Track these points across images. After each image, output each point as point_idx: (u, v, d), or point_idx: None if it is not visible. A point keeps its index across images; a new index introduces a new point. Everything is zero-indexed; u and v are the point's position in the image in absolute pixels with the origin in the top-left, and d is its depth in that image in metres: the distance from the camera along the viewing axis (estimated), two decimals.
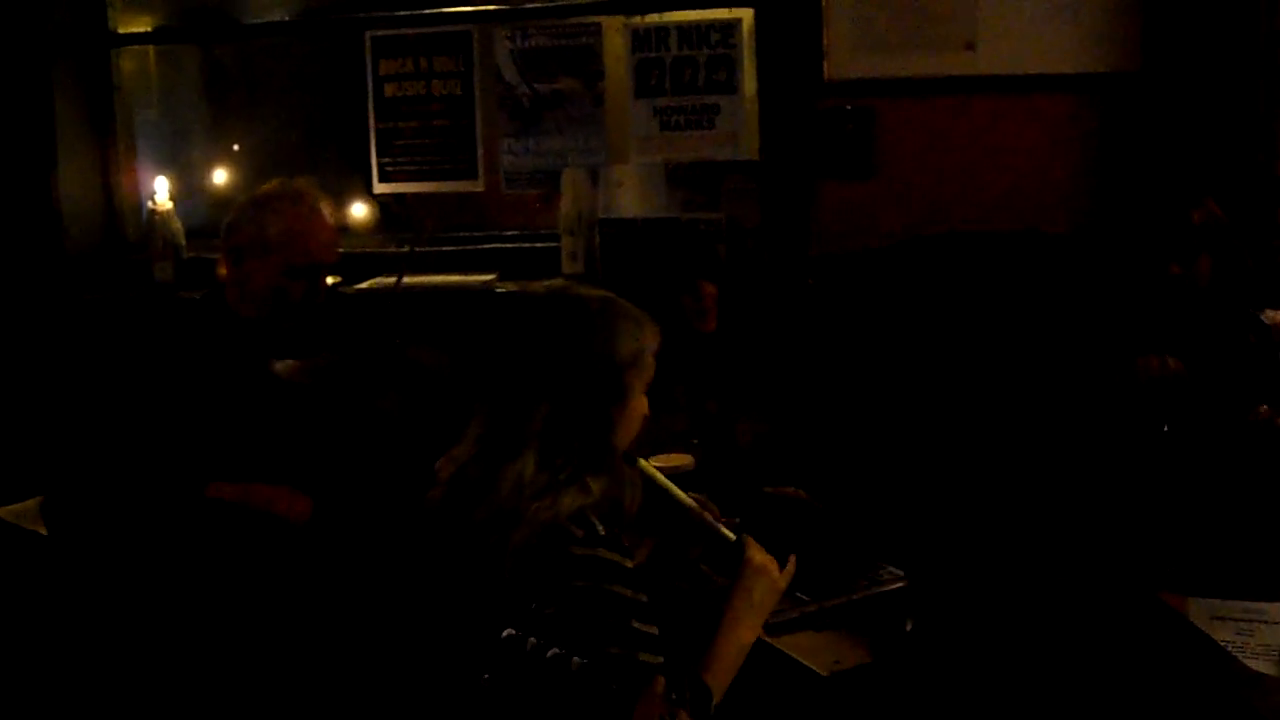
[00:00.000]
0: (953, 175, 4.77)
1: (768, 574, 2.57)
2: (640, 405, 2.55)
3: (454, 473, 2.48)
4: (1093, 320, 3.96)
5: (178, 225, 5.48)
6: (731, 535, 2.67)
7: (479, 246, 5.42)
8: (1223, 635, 2.66)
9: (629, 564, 2.36)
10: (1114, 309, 3.93)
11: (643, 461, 2.65)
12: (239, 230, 3.49)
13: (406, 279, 4.64)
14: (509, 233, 5.51)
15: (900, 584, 2.95)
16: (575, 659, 2.27)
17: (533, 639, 2.30)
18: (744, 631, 2.51)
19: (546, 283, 2.60)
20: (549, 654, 2.28)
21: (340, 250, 3.71)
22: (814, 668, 2.64)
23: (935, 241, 4.61)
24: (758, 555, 2.59)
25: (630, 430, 2.54)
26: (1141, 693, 2.32)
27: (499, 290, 5.02)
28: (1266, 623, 2.74)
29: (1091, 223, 4.66)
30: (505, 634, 2.32)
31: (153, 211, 5.48)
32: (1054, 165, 4.73)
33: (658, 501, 2.73)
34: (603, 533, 2.36)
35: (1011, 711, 2.39)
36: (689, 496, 2.74)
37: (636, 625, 2.31)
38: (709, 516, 2.73)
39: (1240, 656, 2.57)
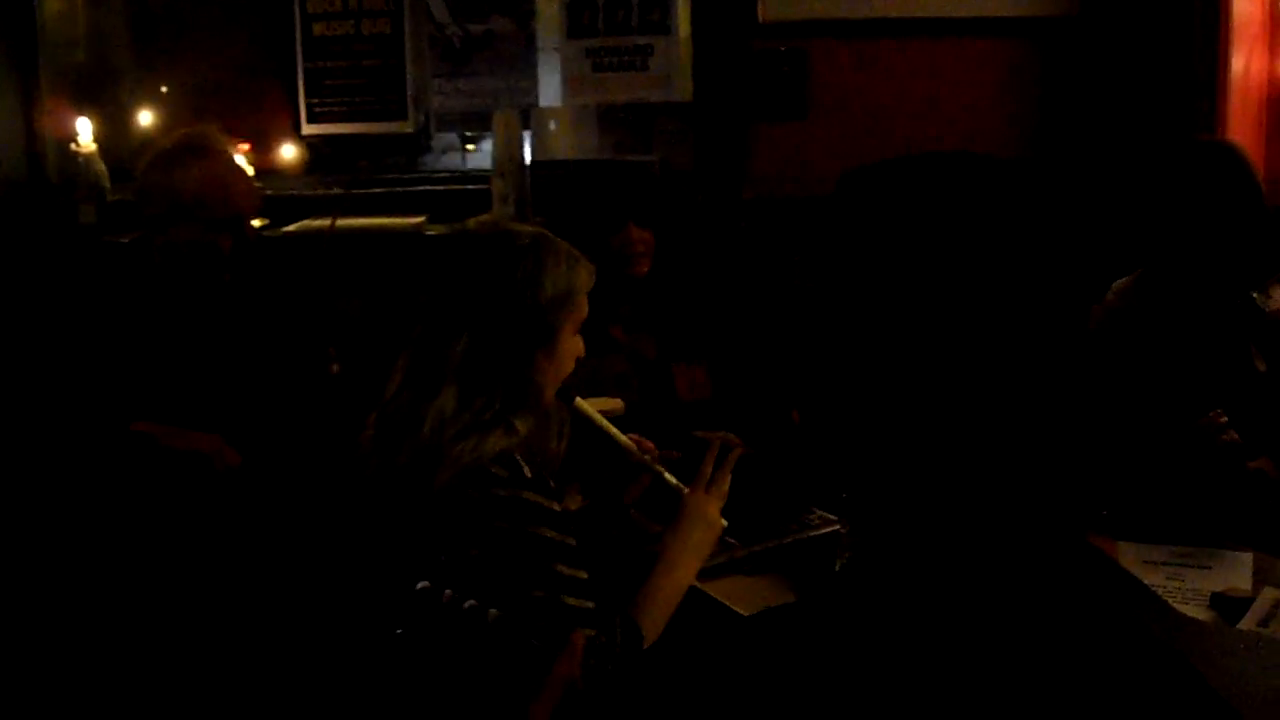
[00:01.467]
0: (889, 118, 4.74)
1: (706, 517, 2.57)
2: (572, 346, 2.53)
3: (380, 413, 2.45)
4: (1036, 250, 3.90)
5: (102, 168, 5.37)
6: (671, 478, 2.65)
7: (409, 189, 5.35)
8: (1152, 579, 2.66)
9: (556, 507, 2.34)
10: (1061, 238, 3.85)
11: (580, 401, 2.63)
12: (152, 197, 3.38)
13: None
14: (439, 175, 5.45)
15: (830, 528, 2.93)
16: (492, 610, 2.23)
17: (449, 590, 2.27)
18: (680, 574, 2.50)
19: (482, 218, 2.57)
20: (465, 605, 2.25)
21: (268, 192, 3.65)
22: (739, 611, 2.62)
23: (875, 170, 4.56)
24: (697, 498, 2.59)
25: (560, 370, 2.51)
26: (1071, 635, 2.31)
27: (428, 233, 4.97)
28: (1195, 567, 2.74)
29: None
30: (419, 586, 2.28)
31: (76, 153, 5.37)
32: (992, 109, 4.71)
33: (594, 443, 2.70)
34: (528, 475, 2.34)
35: (939, 652, 2.37)
36: (627, 438, 2.71)
37: (562, 569, 2.29)
38: (648, 459, 2.70)
39: (1170, 601, 2.56)
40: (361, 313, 2.53)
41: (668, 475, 2.67)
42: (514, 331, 2.39)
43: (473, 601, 2.24)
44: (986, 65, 4.71)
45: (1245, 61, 4.53)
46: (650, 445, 2.78)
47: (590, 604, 2.30)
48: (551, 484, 2.40)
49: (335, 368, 3.60)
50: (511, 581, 2.25)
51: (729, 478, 2.65)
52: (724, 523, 2.62)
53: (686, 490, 2.63)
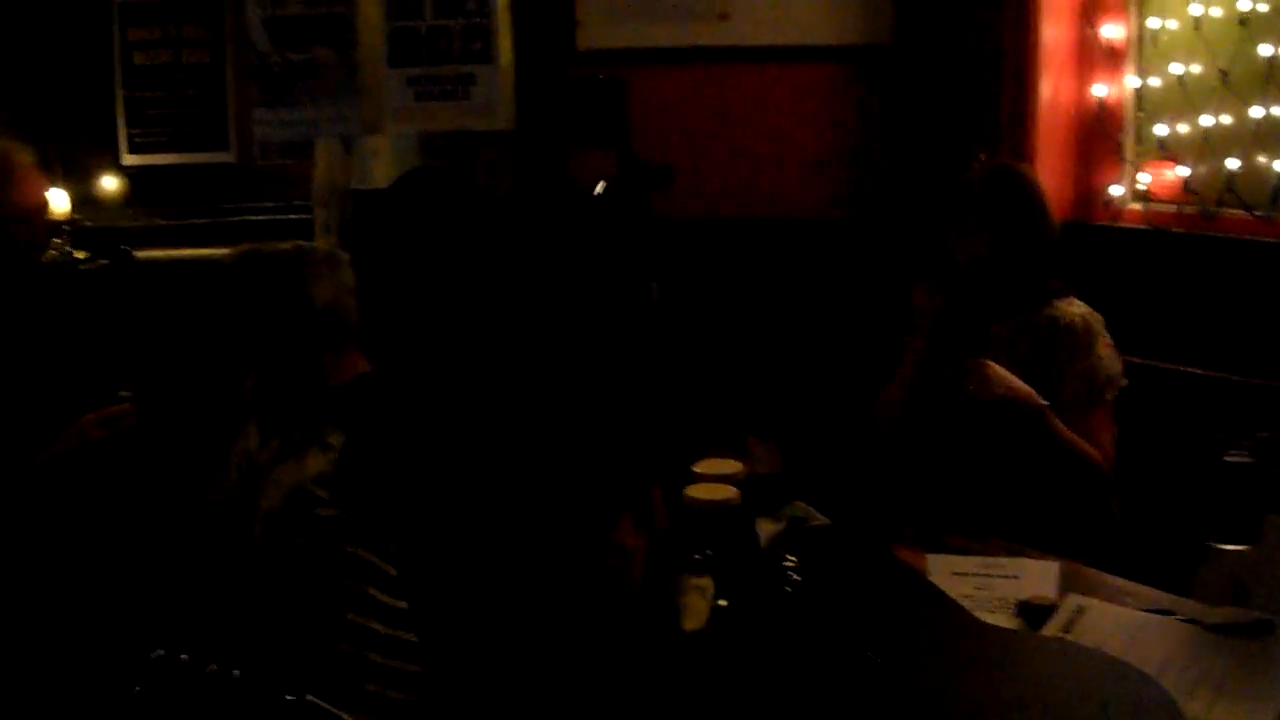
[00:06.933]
0: (707, 145, 4.78)
1: None
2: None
3: (186, 463, 2.42)
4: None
5: None
6: None
7: (231, 219, 5.29)
8: (960, 590, 2.71)
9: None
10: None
11: None
12: None
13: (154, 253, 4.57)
14: (262, 205, 5.40)
15: None
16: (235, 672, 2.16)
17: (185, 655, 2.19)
18: None
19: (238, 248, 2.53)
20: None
21: (87, 224, 3.59)
22: None
23: None
24: None
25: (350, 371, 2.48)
26: None
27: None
28: (1002, 577, 2.81)
29: (849, 191, 4.72)
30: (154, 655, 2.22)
31: None
32: (809, 135, 4.77)
33: None
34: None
35: None
36: None
37: (375, 593, 2.24)
38: None
39: (975, 610, 2.61)
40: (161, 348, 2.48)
41: None
42: (299, 345, 2.36)
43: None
44: (803, 92, 4.77)
45: (1054, 88, 4.66)
46: None
47: (411, 637, 2.25)
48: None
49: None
50: (324, 604, 2.21)
51: None
52: None
53: None
